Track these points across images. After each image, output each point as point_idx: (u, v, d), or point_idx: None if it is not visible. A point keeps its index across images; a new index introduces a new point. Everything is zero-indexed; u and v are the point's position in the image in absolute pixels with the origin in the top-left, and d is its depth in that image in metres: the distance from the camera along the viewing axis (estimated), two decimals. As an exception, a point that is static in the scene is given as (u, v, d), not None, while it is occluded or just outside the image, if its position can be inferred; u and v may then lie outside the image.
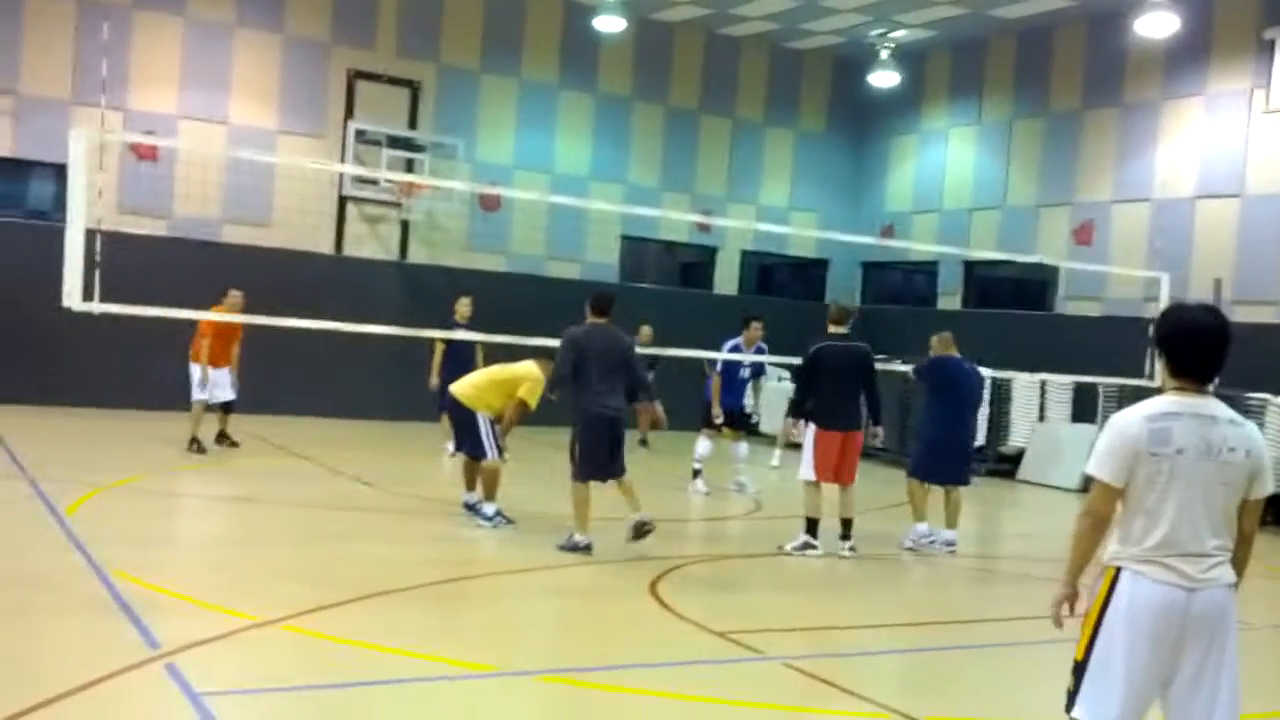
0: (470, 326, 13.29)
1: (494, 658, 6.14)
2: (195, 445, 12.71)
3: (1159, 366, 12.93)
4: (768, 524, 11.32)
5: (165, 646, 5.68)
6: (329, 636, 6.19)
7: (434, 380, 13.14)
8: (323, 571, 7.78)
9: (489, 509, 9.73)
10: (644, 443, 16.48)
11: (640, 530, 9.00)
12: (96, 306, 8.31)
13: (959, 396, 10.29)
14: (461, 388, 10.03)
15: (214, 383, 12.86)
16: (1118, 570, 3.81)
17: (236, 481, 11.65)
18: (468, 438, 9.93)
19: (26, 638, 5.93)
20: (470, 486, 10.09)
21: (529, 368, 9.90)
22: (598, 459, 8.96)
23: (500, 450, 9.78)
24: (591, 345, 8.98)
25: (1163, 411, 3.81)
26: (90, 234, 8.19)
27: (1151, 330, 13.14)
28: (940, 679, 6.65)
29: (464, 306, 13.78)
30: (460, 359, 12.72)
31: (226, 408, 13.28)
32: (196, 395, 12.80)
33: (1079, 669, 3.83)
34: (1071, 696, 3.85)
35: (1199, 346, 3.85)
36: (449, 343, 13.03)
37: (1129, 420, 3.84)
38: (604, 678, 5.97)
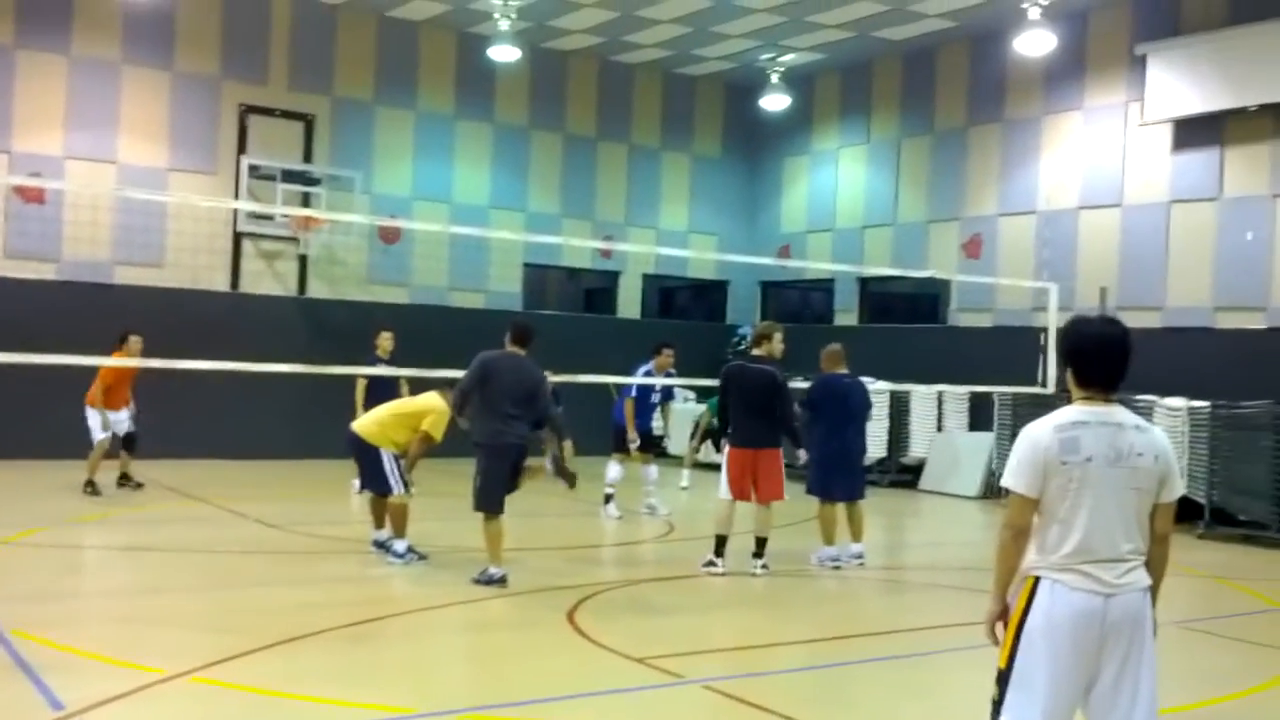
0: (390, 361, 13.16)
1: (412, 699, 6.09)
2: (90, 487, 12.58)
3: (1053, 375, 13.30)
4: (681, 546, 11.40)
5: (70, 707, 5.53)
6: (240, 686, 6.08)
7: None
8: (231, 619, 7.63)
9: (399, 546, 9.64)
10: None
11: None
12: (-15, 357, 8.09)
13: (842, 414, 10.40)
14: (363, 425, 9.91)
15: (112, 421, 12.82)
16: (1036, 579, 3.86)
17: (138, 530, 11.35)
18: (372, 475, 9.81)
19: (-77, 705, 5.74)
20: (379, 524, 9.98)
21: (432, 400, 9.84)
22: (498, 488, 8.90)
23: (407, 485, 9.70)
24: (503, 372, 8.95)
25: (1071, 421, 3.88)
26: (-23, 282, 7.98)
27: (1042, 340, 13.47)
28: (860, 693, 6.76)
29: (385, 341, 13.52)
30: (383, 395, 12.37)
31: (128, 446, 13.11)
32: (97, 436, 12.69)
33: (1002, 678, 3.88)
34: (997, 706, 3.89)
35: (1103, 357, 3.94)
36: (370, 379, 12.86)
37: (1039, 431, 3.90)
38: (525, 713, 5.96)
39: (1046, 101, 17.40)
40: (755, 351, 10.07)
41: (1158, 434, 3.96)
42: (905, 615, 9.14)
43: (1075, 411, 3.92)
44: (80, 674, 6.22)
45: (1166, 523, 3.97)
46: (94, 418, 12.70)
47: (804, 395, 10.49)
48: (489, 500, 8.88)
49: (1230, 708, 6.60)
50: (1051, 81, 17.26)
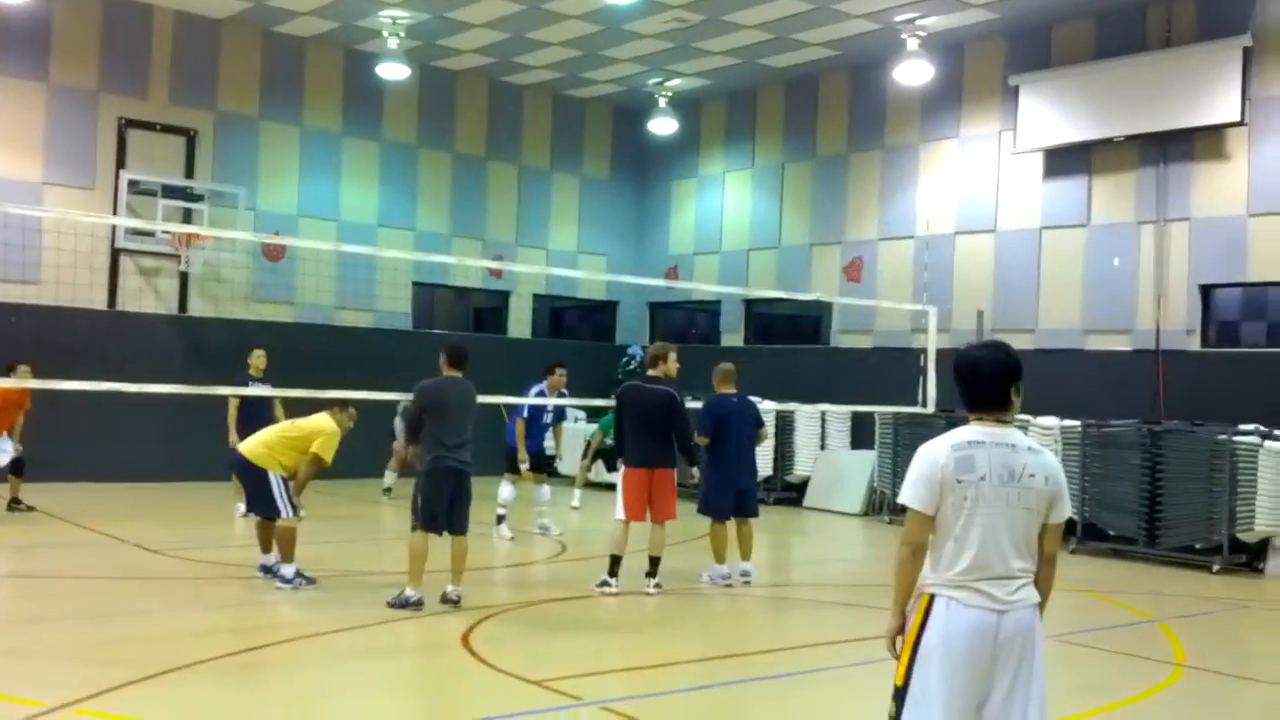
0: (265, 379, 12.99)
1: (306, 726, 6.03)
2: None
3: (933, 395, 13.67)
4: (574, 566, 11.45)
5: (-49, 743, 5.37)
6: (125, 719, 5.95)
7: (233, 438, 12.66)
8: (114, 649, 7.44)
9: (288, 570, 9.50)
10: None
11: (445, 600, 8.96)
12: None
13: (729, 434, 10.54)
14: (251, 446, 9.74)
15: None
16: (931, 596, 3.96)
17: (14, 557, 10.96)
18: (259, 498, 9.65)
19: None
20: (266, 548, 9.82)
21: (322, 421, 9.74)
22: (435, 508, 8.90)
23: (295, 508, 9.57)
24: (449, 398, 9.00)
25: (967, 440, 4.00)
26: None
27: (922, 361, 13.79)
28: (756, 711, 6.86)
29: (257, 359, 13.38)
30: (257, 414, 12.28)
31: (17, 471, 12.91)
32: None
33: (899, 695, 3.96)
34: None
35: (982, 380, 4.07)
36: (244, 398, 12.66)
37: (936, 449, 4.00)
38: (421, 737, 5.95)
39: (924, 129, 17.96)
40: (651, 372, 10.20)
41: (1049, 457, 4.11)
42: (796, 632, 9.33)
43: (971, 431, 4.05)
44: (-43, 709, 6.02)
45: (1054, 543, 4.11)
46: None
47: (701, 423, 10.57)
48: (421, 519, 8.89)
49: (1111, 716, 6.89)
50: (929, 110, 17.83)
